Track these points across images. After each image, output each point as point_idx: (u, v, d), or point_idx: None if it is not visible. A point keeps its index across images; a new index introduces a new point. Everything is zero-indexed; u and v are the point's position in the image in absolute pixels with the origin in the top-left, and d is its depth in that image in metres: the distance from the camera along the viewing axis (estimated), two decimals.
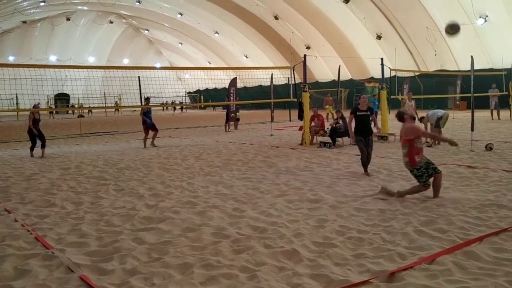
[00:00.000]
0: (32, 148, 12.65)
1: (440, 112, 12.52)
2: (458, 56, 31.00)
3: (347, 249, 4.50)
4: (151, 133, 14.59)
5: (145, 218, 5.79)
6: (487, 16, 27.61)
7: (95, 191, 7.70)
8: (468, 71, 13.12)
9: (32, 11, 44.72)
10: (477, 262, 4.03)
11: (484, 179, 7.59)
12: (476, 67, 12.50)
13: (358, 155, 11.01)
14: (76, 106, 42.42)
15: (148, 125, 14.41)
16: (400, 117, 6.64)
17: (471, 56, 12.35)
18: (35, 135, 12.47)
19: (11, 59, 51.67)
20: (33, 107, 12.78)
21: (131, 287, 3.76)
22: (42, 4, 42.34)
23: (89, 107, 34.49)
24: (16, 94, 34.43)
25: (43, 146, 12.55)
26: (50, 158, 12.37)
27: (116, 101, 47.86)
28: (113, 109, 51.10)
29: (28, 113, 13.10)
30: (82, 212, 6.24)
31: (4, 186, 8.29)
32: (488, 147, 11.11)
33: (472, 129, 11.85)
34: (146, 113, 14.45)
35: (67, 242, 4.92)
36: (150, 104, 17.14)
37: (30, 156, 12.50)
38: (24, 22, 49.98)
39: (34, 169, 10.43)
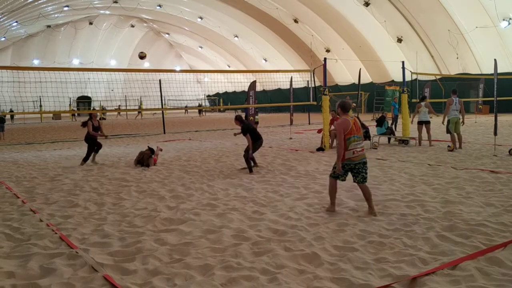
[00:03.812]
0: (86, 158, 11.48)
1: (455, 114, 12.13)
2: (481, 59, 30.54)
3: (368, 253, 4.47)
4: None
5: (166, 220, 5.86)
6: (510, 18, 27.12)
7: (117, 192, 7.81)
8: (491, 74, 12.91)
9: (56, 15, 45.75)
10: (501, 269, 3.96)
11: (508, 184, 7.46)
12: (499, 71, 12.30)
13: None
14: (98, 108, 42.99)
15: None
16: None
17: (495, 60, 12.17)
18: (96, 144, 11.61)
19: (35, 62, 52.92)
20: (89, 115, 11.77)
21: (153, 287, 3.81)
22: (65, 8, 43.31)
23: (119, 108, 34.73)
24: (40, 96, 35.09)
25: (96, 152, 11.79)
26: (72, 159, 12.59)
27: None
28: (133, 112, 51.67)
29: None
30: (104, 213, 6.34)
31: (29, 187, 8.49)
32: None
33: (495, 134, 11.67)
34: None
35: (90, 242, 5.02)
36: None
37: (80, 165, 11.33)
38: (48, 26, 51.23)
39: (58, 170, 10.65)
